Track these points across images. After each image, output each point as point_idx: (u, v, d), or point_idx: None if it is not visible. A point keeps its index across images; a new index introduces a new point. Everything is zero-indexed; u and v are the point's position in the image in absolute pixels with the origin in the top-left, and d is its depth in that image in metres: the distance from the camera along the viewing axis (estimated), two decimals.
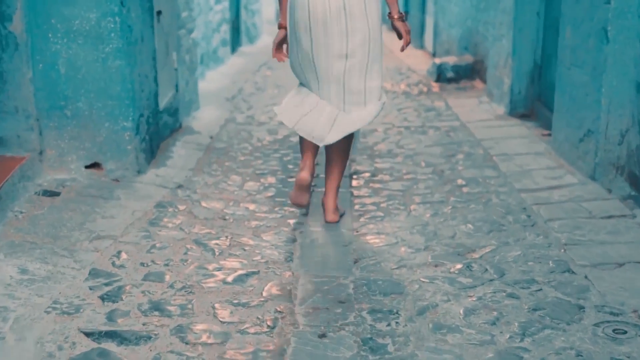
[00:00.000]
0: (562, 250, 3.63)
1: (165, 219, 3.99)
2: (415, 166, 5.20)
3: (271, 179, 4.89)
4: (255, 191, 4.63)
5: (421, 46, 11.29)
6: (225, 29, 10.17)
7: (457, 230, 3.96)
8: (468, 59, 8.47)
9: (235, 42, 11.12)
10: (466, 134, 6.04)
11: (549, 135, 5.73)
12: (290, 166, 5.24)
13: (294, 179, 4.89)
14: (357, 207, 4.38)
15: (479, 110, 6.90)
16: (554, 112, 5.35)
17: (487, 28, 7.89)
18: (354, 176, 4.99)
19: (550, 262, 3.50)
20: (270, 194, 4.59)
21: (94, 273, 3.30)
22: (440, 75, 8.41)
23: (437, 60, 8.58)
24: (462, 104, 7.25)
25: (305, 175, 3.87)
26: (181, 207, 4.21)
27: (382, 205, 4.40)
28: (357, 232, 3.97)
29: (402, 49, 3.99)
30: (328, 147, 4.00)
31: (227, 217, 4.11)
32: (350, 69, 3.81)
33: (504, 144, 5.65)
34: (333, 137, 3.83)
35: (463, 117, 6.69)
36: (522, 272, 3.41)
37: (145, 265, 3.42)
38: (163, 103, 5.46)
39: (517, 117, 6.52)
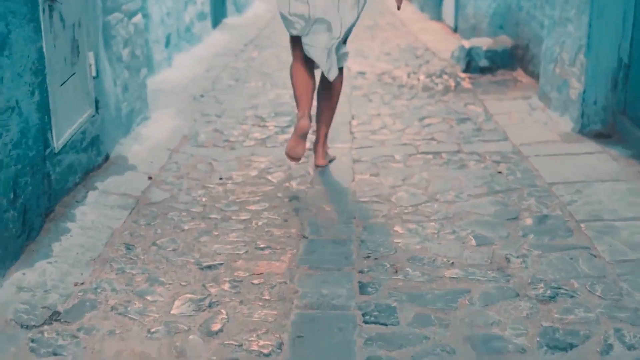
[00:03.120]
0: None
1: None
2: (459, 244, 3.06)
3: (224, 284, 2.75)
4: (188, 322, 2.49)
5: (439, 18, 9.02)
6: None
7: None
8: (505, 41, 6.25)
9: (218, 13, 8.87)
10: (526, 172, 3.88)
11: None
12: (261, 244, 3.10)
13: (261, 279, 2.78)
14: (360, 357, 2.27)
15: (533, 123, 4.71)
16: None
17: (535, 4, 5.65)
18: (364, 268, 2.86)
19: None
20: (215, 325, 2.46)
21: None
22: (470, 63, 6.19)
23: (466, 44, 6.34)
24: (506, 110, 5.06)
25: (305, 122, 3.65)
26: None
27: (410, 356, 2.29)
28: None
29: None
30: (319, 95, 3.95)
31: None
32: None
33: (590, 194, 3.50)
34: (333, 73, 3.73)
35: (513, 135, 4.51)
36: None
37: None
38: (64, 137, 3.31)
39: (591, 137, 4.35)
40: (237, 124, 4.93)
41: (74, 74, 3.49)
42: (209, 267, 2.87)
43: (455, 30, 8.19)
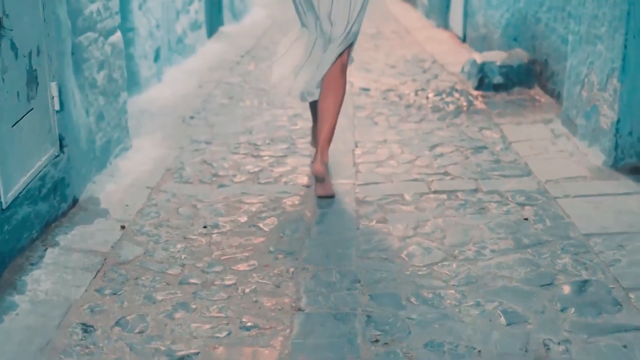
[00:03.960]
0: None
1: None
2: (485, 322, 2.49)
3: None
4: None
5: (445, 26, 8.44)
6: (198, 7, 7.34)
7: None
8: (521, 56, 5.66)
9: (214, 21, 8.28)
10: (556, 218, 3.30)
11: None
12: (248, 321, 2.53)
13: None
14: None
15: (557, 154, 4.13)
16: None
17: (556, 16, 5.07)
18: (371, 358, 2.29)
19: None
20: None
21: None
22: (483, 79, 5.61)
23: (478, 58, 5.76)
24: (526, 136, 4.49)
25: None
26: None
27: None
28: None
29: None
30: (319, 107, 3.68)
31: None
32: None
33: (636, 251, 2.92)
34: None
35: (537, 168, 3.94)
36: None
37: None
38: (16, 188, 2.74)
39: (626, 172, 3.78)
40: (229, 152, 4.36)
41: (31, 110, 2.93)
42: (182, 359, 2.30)
43: (464, 40, 7.61)
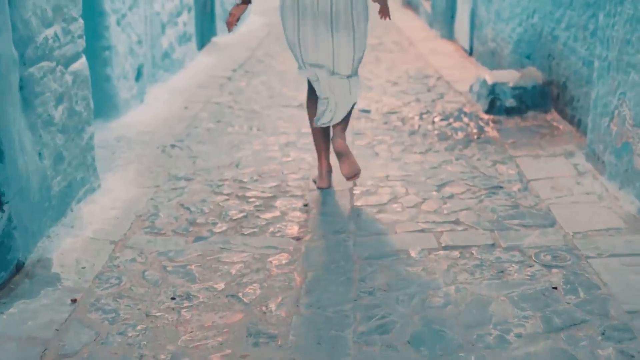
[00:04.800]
0: None
1: None
2: None
3: None
4: None
5: (450, 37, 7.85)
6: (187, 18, 6.76)
7: None
8: (535, 76, 5.09)
9: (206, 31, 7.71)
10: (591, 288, 2.73)
11: None
12: None
13: None
14: None
15: (584, 198, 3.56)
16: None
17: (576, 36, 4.49)
18: None
19: None
20: None
21: None
22: (494, 102, 5.04)
23: (489, 78, 5.18)
24: (546, 173, 3.91)
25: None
26: None
27: None
28: None
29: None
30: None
31: None
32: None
33: None
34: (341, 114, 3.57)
35: (562, 217, 3.36)
36: None
37: None
38: None
39: None
40: (210, 193, 3.79)
41: None
42: None
43: (471, 53, 7.03)
